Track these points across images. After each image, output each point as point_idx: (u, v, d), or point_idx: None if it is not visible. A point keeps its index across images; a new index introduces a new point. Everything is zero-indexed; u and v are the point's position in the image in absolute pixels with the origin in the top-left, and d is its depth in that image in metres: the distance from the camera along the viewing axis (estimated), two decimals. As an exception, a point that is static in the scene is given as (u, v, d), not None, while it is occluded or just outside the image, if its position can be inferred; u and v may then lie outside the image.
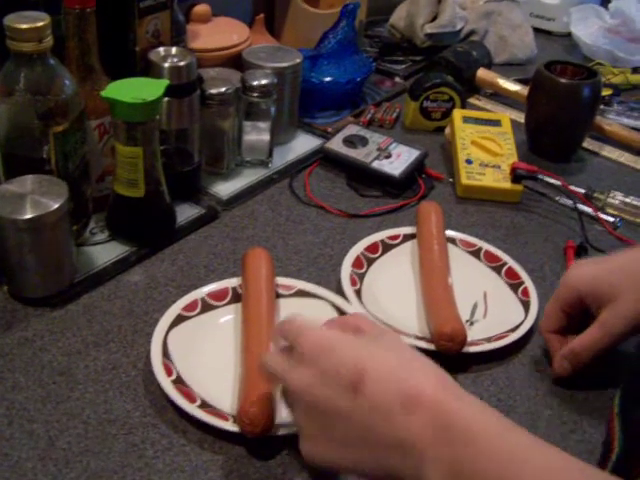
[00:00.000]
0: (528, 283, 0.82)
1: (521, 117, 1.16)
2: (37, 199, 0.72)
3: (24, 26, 0.71)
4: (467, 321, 0.77)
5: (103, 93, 0.76)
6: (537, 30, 1.51)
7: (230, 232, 0.89)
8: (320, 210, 0.95)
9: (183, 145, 0.91)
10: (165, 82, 0.80)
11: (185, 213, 0.91)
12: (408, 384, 0.51)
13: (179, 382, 0.66)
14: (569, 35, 1.51)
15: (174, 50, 0.87)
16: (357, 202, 0.97)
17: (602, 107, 1.21)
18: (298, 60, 1.04)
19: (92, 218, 0.85)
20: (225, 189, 0.96)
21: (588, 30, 1.48)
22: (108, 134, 0.84)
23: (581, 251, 0.91)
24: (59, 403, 0.66)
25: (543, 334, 0.75)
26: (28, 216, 0.71)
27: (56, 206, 0.72)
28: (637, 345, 0.74)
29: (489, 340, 0.74)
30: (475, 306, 0.80)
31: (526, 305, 0.79)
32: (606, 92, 1.24)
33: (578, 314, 0.72)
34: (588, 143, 1.15)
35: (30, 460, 0.60)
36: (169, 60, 0.85)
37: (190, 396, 0.65)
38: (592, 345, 0.69)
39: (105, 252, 0.83)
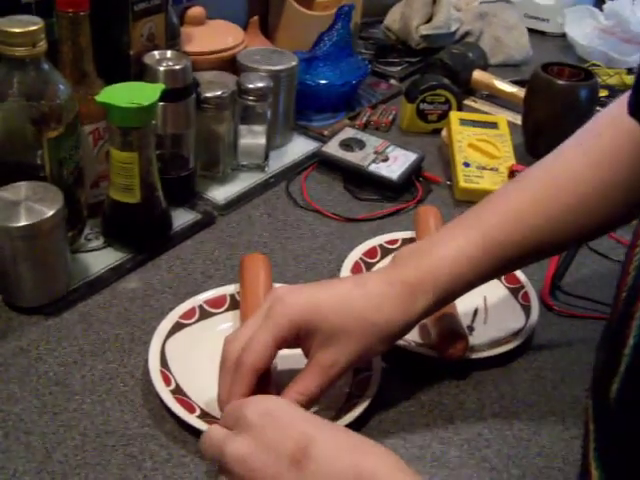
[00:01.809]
0: (528, 287, 0.81)
1: (517, 119, 1.15)
2: (31, 206, 0.71)
3: (17, 30, 0.69)
4: (468, 327, 0.76)
5: (98, 98, 0.75)
6: (531, 31, 1.50)
7: (227, 237, 0.88)
8: (317, 214, 0.94)
9: (179, 150, 0.90)
10: (161, 86, 0.79)
11: (181, 218, 0.89)
12: (361, 466, 0.48)
13: (178, 392, 0.65)
14: (563, 36, 1.51)
15: (169, 53, 0.86)
16: (354, 206, 0.96)
17: (598, 109, 1.20)
18: (293, 63, 1.03)
19: (87, 224, 0.84)
20: (221, 194, 0.95)
21: (583, 31, 1.48)
22: (103, 139, 0.83)
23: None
24: (56, 414, 0.64)
25: (248, 375, 0.59)
26: (22, 223, 0.70)
27: (51, 213, 0.71)
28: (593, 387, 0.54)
29: (490, 346, 0.74)
30: (476, 311, 0.79)
31: (527, 310, 0.78)
32: (602, 93, 1.23)
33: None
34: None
35: (27, 473, 0.59)
36: (164, 64, 0.84)
37: (189, 406, 0.64)
38: (315, 394, 0.60)
39: (100, 259, 0.82)
